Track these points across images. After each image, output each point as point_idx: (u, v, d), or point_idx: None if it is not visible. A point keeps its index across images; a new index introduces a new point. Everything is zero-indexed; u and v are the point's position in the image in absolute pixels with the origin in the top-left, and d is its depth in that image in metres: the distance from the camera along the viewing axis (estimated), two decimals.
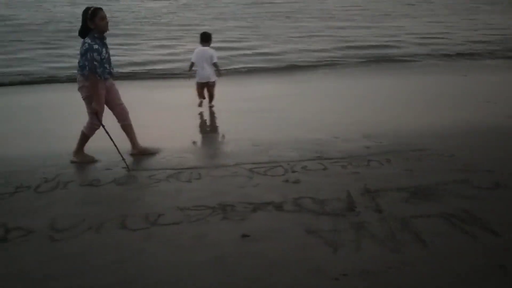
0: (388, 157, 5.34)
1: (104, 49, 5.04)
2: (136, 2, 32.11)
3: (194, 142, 6.38)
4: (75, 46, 12.65)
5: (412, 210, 3.99)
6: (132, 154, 5.54)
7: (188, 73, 8.08)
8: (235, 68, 12.38)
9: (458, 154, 5.37)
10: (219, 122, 7.48)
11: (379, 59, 13.43)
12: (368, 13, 25.96)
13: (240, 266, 3.20)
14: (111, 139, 5.21)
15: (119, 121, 5.49)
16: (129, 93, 9.31)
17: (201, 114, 7.86)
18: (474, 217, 3.82)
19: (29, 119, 6.83)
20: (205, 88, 7.97)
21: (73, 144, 5.42)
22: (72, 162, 5.31)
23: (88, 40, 4.94)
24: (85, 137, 5.34)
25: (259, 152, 5.60)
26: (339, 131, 6.37)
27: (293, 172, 4.97)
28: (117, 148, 5.22)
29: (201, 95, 8.06)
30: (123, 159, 5.20)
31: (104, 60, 5.05)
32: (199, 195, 4.40)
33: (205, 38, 7.88)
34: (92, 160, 5.36)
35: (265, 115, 7.37)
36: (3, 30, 18.54)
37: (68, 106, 8.12)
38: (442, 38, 17.17)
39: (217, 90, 8.26)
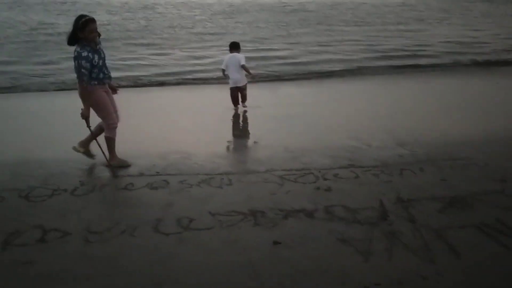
0: (421, 166, 5.25)
1: (96, 56, 5.05)
2: (170, 10, 32.70)
3: (226, 148, 6.43)
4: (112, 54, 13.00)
5: (446, 220, 3.93)
6: (109, 165, 5.45)
7: (224, 78, 8.40)
8: (267, 75, 12.42)
9: (492, 163, 5.25)
10: (251, 128, 7.52)
11: (411, 66, 13.25)
12: (401, 19, 25.67)
13: (271, 272, 3.22)
14: (98, 143, 5.41)
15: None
16: (163, 100, 9.52)
17: (233, 120, 7.91)
18: (509, 228, 3.73)
19: (67, 123, 7.03)
20: (238, 93, 8.21)
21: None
22: (108, 166, 5.42)
23: (77, 48, 5.00)
24: (110, 141, 5.44)
25: (291, 159, 5.59)
26: (371, 139, 6.31)
27: (325, 179, 4.95)
28: (101, 150, 5.40)
29: (235, 102, 8.31)
30: (107, 159, 5.42)
31: (98, 66, 5.08)
32: (230, 201, 4.43)
33: (234, 47, 8.20)
34: (127, 164, 5.46)
35: (297, 121, 7.36)
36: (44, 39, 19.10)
37: None
38: (477, 44, 16.82)
39: (249, 96, 8.35)
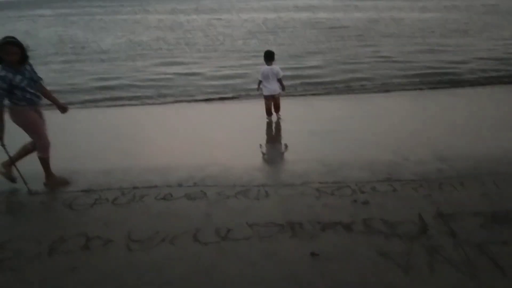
0: (462, 180, 5.15)
1: (18, 76, 5.02)
2: (208, 26, 33.23)
3: (262, 160, 6.47)
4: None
5: (488, 235, 3.84)
6: (46, 184, 5.44)
7: (258, 91, 8.71)
8: (302, 89, 12.45)
9: None
10: (288, 141, 7.55)
11: (450, 82, 12.98)
12: (443, 31, 25.24)
13: (312, 285, 3.22)
14: (13, 162, 5.36)
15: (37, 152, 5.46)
16: (201, 116, 9.66)
17: (270, 133, 7.97)
18: None
19: (111, 136, 7.26)
20: (272, 102, 8.52)
21: (155, 160, 5.68)
22: (45, 184, 5.45)
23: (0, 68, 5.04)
24: (45, 161, 5.43)
25: (327, 172, 5.58)
26: (409, 153, 6.22)
27: (362, 192, 4.92)
28: (18, 171, 5.34)
29: (269, 112, 8.55)
30: (25, 182, 5.27)
31: (20, 87, 5.03)
32: (267, 213, 4.46)
33: (270, 57, 8.40)
34: (65, 182, 5.52)
35: (334, 136, 7.32)
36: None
37: (151, 124, 8.57)
38: None
39: (287, 111, 8.46)
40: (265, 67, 8.36)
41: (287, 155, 6.73)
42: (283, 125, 8.29)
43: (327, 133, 7.49)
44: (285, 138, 7.68)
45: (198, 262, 3.57)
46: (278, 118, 8.56)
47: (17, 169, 5.36)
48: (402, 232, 3.96)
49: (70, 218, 4.51)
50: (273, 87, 8.35)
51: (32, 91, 5.19)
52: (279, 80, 8.31)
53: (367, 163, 5.90)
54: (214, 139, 7.36)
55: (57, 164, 5.58)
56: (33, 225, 4.36)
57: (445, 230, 3.97)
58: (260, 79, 8.41)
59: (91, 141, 7.42)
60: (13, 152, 5.36)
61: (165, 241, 3.94)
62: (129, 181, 5.51)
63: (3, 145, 5.11)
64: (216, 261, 3.59)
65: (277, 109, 8.62)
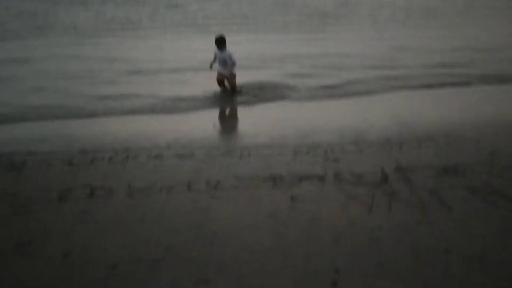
0: (419, 141, 5.87)
1: None
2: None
3: (243, 127, 7.06)
4: None
5: (439, 183, 4.54)
6: None
7: (211, 70, 9.48)
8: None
9: (484, 140, 5.85)
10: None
11: None
12: None
13: (290, 220, 3.84)
14: None
15: None
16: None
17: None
18: (495, 189, 4.35)
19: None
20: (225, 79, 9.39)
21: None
22: None
23: None
24: None
25: (301, 136, 6.21)
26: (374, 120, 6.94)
27: (333, 152, 5.57)
28: None
29: (221, 83, 9.43)
30: None
31: None
32: (251, 168, 5.06)
33: (222, 42, 9.25)
34: None
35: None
36: None
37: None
38: None
39: None
40: (223, 54, 9.19)
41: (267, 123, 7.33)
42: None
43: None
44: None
45: (194, 204, 4.14)
46: (235, 96, 9.29)
47: None
48: (367, 181, 4.62)
49: (72, 172, 4.99)
50: (229, 70, 9.25)
51: None
52: (234, 63, 9.23)
53: (337, 129, 6.58)
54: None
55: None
56: (39, 178, 4.82)
57: (403, 180, 4.65)
58: (217, 64, 9.28)
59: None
60: None
61: (162, 191, 4.48)
62: (121, 144, 6.00)
63: None
64: (210, 204, 4.17)
65: (234, 88, 9.42)
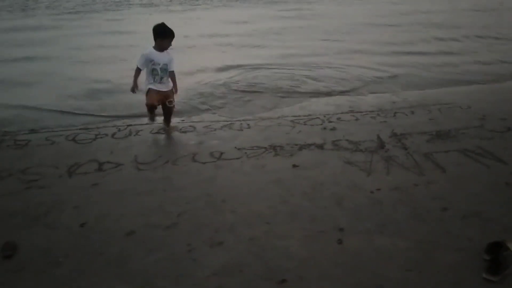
0: (413, 109, 6.07)
1: None
2: None
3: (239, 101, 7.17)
4: None
5: (433, 147, 4.76)
6: None
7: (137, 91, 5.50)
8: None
9: (475, 106, 6.07)
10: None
11: None
12: None
13: (294, 185, 4.03)
14: None
15: None
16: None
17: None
18: (486, 151, 4.57)
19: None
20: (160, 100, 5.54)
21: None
22: None
23: None
24: None
25: (298, 108, 6.38)
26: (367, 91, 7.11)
27: (330, 122, 5.74)
28: None
29: (151, 109, 5.51)
30: None
31: None
32: (251, 139, 5.22)
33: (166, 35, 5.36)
34: None
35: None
36: None
37: None
38: None
39: None
40: (163, 57, 5.39)
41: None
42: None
43: None
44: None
45: (200, 174, 4.31)
46: (169, 133, 5.60)
47: None
48: (364, 148, 4.82)
49: (77, 148, 5.10)
50: (169, 85, 5.54)
51: None
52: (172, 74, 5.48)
53: (332, 100, 6.75)
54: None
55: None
56: (46, 155, 4.92)
57: (399, 145, 4.86)
58: (149, 77, 5.41)
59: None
60: None
61: (169, 162, 4.63)
62: (122, 121, 6.11)
63: None
64: (215, 173, 4.34)
65: (168, 119, 5.74)
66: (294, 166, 4.44)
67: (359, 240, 3.17)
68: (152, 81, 5.39)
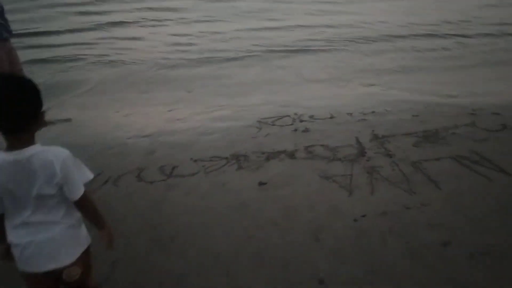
0: (394, 104, 5.38)
1: None
2: None
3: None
4: None
5: (421, 153, 4.08)
6: None
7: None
8: None
9: (463, 98, 5.43)
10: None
11: None
12: None
13: (261, 211, 3.29)
14: None
15: None
16: None
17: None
18: (483, 158, 3.92)
19: None
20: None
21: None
22: None
23: None
24: None
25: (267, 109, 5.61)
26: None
27: (301, 121, 5.01)
28: None
29: None
30: None
31: None
32: (211, 146, 4.44)
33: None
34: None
35: None
36: None
37: None
38: None
39: None
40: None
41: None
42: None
43: None
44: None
45: (146, 198, 3.53)
46: None
47: None
48: (343, 156, 4.11)
49: None
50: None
51: (6, 24, 4.42)
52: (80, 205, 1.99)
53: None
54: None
55: None
56: None
57: (382, 151, 4.16)
58: None
59: None
60: None
61: (109, 182, 3.83)
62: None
63: None
64: (165, 196, 3.56)
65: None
66: (261, 184, 3.69)
67: None
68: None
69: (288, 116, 5.17)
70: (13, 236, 1.91)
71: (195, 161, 4.14)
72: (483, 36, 9.43)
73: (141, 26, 11.58)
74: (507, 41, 9.05)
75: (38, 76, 7.17)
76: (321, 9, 13.20)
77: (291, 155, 4.19)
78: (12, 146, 1.81)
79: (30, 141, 1.84)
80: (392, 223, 3.07)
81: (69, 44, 9.78)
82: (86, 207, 2.00)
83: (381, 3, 13.74)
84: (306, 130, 4.75)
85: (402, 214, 3.17)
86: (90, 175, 2.03)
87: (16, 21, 7.65)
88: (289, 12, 12.89)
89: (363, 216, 3.16)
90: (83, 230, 2.09)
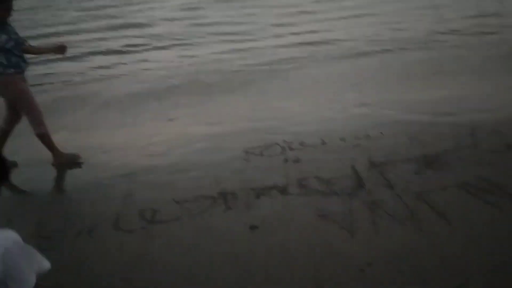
0: (389, 126, 5.06)
1: (3, 36, 4.24)
2: None
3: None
4: None
5: (425, 183, 3.74)
6: (54, 165, 4.73)
7: None
8: None
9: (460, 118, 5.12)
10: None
11: None
12: None
13: (253, 262, 2.92)
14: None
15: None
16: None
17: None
18: (492, 184, 3.59)
19: None
20: None
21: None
22: (54, 165, 4.71)
23: None
24: (45, 137, 4.63)
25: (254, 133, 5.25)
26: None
27: (291, 149, 4.66)
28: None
29: None
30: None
31: (6, 49, 4.26)
32: (195, 184, 4.07)
33: None
34: (78, 158, 4.80)
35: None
36: None
37: None
38: None
39: None
40: None
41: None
42: None
43: None
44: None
45: (123, 252, 3.12)
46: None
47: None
48: (340, 189, 3.76)
49: None
50: None
51: (19, 54, 4.37)
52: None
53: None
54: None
55: None
56: None
57: (382, 182, 3.82)
58: None
59: None
60: None
61: (82, 234, 3.42)
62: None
63: None
64: (145, 249, 3.16)
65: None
66: (252, 227, 3.31)
67: None
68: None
69: (277, 144, 4.81)
70: None
71: (178, 202, 3.76)
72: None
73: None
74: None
75: None
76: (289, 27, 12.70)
77: (283, 191, 3.82)
78: None
79: None
80: (403, 270, 2.71)
81: None
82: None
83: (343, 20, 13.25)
84: (297, 160, 4.40)
85: (413, 257, 2.82)
86: (46, 265, 1.63)
87: None
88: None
89: (370, 264, 2.80)
90: None
